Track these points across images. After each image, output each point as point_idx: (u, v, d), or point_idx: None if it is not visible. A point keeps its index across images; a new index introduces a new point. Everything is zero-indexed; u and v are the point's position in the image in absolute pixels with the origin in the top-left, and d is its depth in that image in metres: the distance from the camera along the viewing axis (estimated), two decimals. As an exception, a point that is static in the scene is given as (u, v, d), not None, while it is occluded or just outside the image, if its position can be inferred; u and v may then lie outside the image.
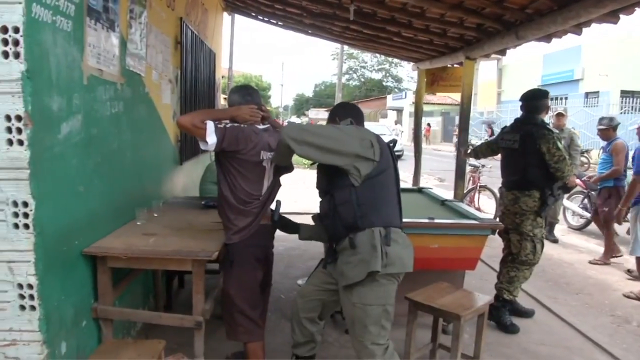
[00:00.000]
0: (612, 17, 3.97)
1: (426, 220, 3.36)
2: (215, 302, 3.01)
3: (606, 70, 20.73)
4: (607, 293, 5.00)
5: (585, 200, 7.94)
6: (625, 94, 20.68)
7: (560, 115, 7.09)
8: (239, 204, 2.60)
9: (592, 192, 7.74)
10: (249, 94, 2.77)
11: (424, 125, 8.72)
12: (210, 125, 2.48)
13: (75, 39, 2.45)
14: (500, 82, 28.44)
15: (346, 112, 2.67)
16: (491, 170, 9.78)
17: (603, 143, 6.76)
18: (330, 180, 2.44)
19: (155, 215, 3.46)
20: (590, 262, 6.06)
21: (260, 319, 2.75)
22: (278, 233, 2.92)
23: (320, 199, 2.58)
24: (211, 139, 2.47)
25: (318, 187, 2.57)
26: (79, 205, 2.53)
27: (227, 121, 2.72)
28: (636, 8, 3.77)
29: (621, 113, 19.99)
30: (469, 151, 5.13)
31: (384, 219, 2.39)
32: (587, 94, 21.96)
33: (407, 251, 2.45)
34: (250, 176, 2.61)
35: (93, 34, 2.66)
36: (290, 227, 2.80)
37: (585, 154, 17.60)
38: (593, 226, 7.88)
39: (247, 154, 2.57)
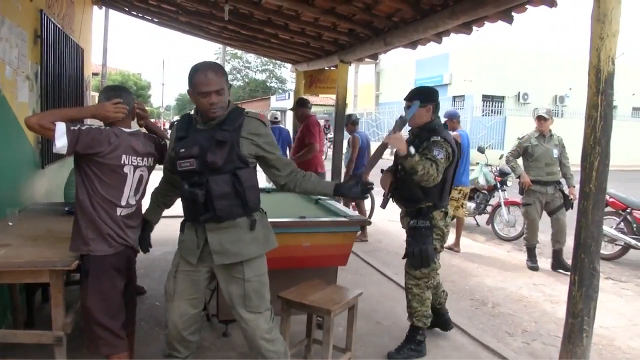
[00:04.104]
0: (465, 28, 4.38)
1: (297, 220, 3.44)
2: (78, 315, 2.83)
3: (470, 76, 22.63)
4: (467, 279, 5.47)
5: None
6: (486, 98, 22.80)
7: (541, 119, 5.98)
8: (94, 210, 2.46)
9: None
10: (117, 95, 2.61)
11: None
12: (60, 127, 2.31)
13: None
14: (378, 85, 29.82)
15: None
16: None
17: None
18: (229, 158, 2.40)
19: (10, 224, 3.18)
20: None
21: (124, 330, 2.61)
22: (154, 237, 2.85)
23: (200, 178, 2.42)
24: (60, 141, 2.30)
25: (211, 160, 2.38)
26: None
27: (96, 123, 2.56)
28: (486, 21, 4.19)
29: (483, 115, 22.00)
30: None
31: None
32: (454, 98, 23.81)
33: None
34: (109, 181, 2.47)
35: None
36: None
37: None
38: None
39: (105, 157, 2.43)
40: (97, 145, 2.40)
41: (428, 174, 3.13)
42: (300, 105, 6.34)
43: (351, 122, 6.91)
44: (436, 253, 3.50)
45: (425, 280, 3.49)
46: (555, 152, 5.83)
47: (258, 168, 2.60)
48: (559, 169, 5.90)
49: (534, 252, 6.09)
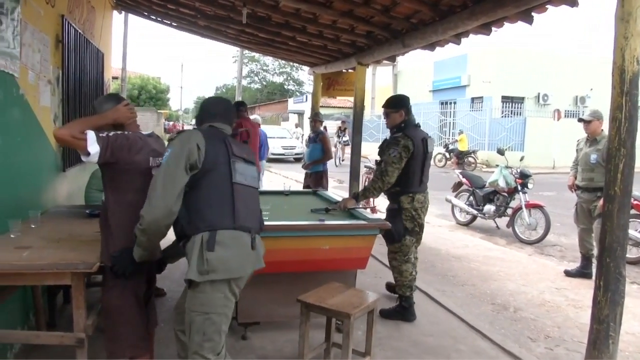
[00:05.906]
0: (485, 29, 4.33)
1: (317, 223, 3.44)
2: (99, 316, 2.86)
3: (489, 78, 22.40)
4: (488, 283, 5.40)
5: (471, 198, 8.53)
6: (505, 99, 22.53)
7: (582, 122, 5.70)
8: (124, 216, 2.47)
9: (477, 190, 8.35)
10: (119, 99, 2.68)
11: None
12: (91, 135, 2.34)
13: None
14: (396, 87, 29.67)
15: (208, 116, 2.59)
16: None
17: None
18: None
19: (33, 226, 3.22)
20: None
21: (146, 331, 2.64)
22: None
23: None
24: (93, 148, 2.32)
25: None
26: (-64, 218, 2.29)
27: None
28: (505, 22, 4.15)
29: (502, 116, 21.75)
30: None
31: (210, 222, 2.28)
32: (472, 99, 23.59)
33: (238, 253, 2.32)
34: (139, 185, 2.48)
35: (-48, 30, 2.43)
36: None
37: (472, 154, 18.90)
38: (479, 221, 8.51)
39: (135, 162, 2.47)
40: (125, 150, 2.43)
41: (378, 188, 4.07)
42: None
43: (319, 120, 7.16)
44: (407, 231, 4.13)
45: (400, 254, 4.18)
46: (593, 158, 5.41)
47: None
48: (599, 175, 5.28)
49: (585, 260, 5.67)
